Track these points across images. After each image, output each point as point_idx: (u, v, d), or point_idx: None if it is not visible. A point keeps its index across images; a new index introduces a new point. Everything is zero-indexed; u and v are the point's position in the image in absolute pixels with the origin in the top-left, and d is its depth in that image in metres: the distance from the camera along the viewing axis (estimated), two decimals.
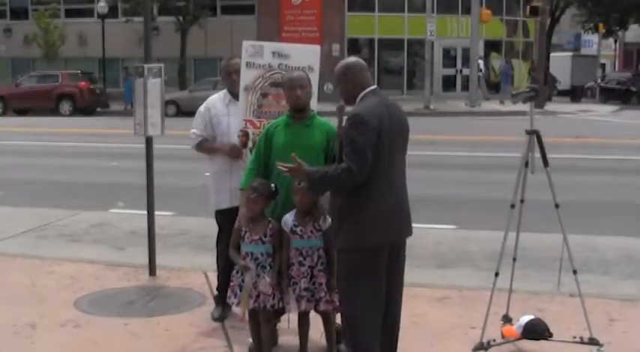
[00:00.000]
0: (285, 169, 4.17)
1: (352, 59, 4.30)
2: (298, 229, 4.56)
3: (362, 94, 4.13)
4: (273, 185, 4.61)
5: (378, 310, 4.12)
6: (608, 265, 7.32)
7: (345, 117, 4.18)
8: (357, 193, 4.00)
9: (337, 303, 4.60)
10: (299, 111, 4.68)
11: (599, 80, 38.78)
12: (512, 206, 4.93)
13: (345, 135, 3.99)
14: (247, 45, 5.42)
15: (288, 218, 4.59)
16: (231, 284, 4.74)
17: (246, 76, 5.38)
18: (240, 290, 4.67)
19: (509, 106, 28.15)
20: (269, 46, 5.44)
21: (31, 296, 6.22)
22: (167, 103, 18.89)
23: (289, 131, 4.68)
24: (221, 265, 5.68)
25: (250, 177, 4.74)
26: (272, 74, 5.32)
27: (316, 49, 5.47)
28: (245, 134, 5.32)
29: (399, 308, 4.33)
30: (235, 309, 5.21)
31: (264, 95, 5.36)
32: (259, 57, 5.37)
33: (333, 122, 4.58)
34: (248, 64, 5.37)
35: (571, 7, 45.88)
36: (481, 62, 34.03)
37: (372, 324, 4.10)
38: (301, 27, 34.37)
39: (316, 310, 4.65)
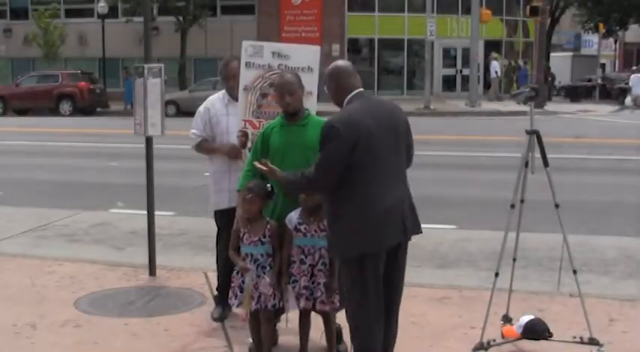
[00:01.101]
0: (264, 168, 4.29)
1: (340, 63, 4.30)
2: (302, 227, 4.56)
3: (347, 99, 4.14)
4: (269, 185, 4.61)
5: (379, 313, 4.11)
6: (608, 265, 7.31)
7: None
8: (345, 200, 4.00)
9: (337, 304, 4.60)
10: (291, 115, 4.69)
11: (599, 80, 38.71)
12: (512, 206, 4.93)
13: (319, 142, 4.06)
14: (247, 45, 5.42)
15: (294, 216, 4.59)
16: (232, 285, 4.74)
17: (246, 76, 5.37)
18: (241, 292, 4.67)
19: (508, 106, 28.17)
20: (269, 47, 5.43)
21: (31, 296, 6.22)
22: (167, 103, 18.92)
23: (285, 132, 4.68)
24: (221, 265, 5.68)
25: (247, 178, 4.74)
26: (272, 74, 5.31)
27: (316, 49, 5.47)
28: (244, 134, 5.31)
29: (397, 310, 4.32)
30: (235, 310, 5.21)
31: (264, 95, 5.36)
32: (259, 57, 5.37)
33: None
34: (248, 64, 5.37)
35: (571, 7, 45.92)
36: (496, 63, 33.99)
37: (375, 328, 4.10)
38: (301, 27, 34.38)
39: (314, 309, 4.65)
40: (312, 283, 4.57)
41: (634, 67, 36.97)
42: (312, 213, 4.55)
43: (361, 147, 3.95)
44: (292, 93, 4.60)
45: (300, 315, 4.74)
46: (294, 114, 4.67)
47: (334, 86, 4.20)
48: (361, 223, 3.98)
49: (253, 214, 4.64)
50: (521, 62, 37.42)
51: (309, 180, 4.07)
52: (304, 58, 5.34)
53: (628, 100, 32.36)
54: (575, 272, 4.94)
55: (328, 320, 4.73)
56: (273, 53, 5.36)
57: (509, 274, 5.17)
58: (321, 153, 4.03)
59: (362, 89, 4.20)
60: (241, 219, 4.69)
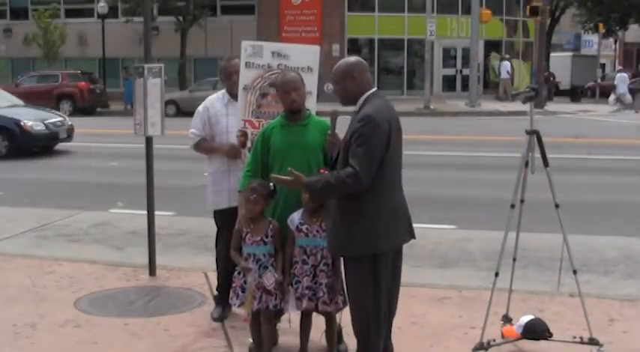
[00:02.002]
0: (283, 179, 4.13)
1: (355, 59, 4.22)
2: (304, 227, 4.55)
3: (365, 96, 4.05)
4: (271, 184, 4.61)
5: (385, 310, 4.11)
6: (608, 265, 7.32)
7: (337, 122, 4.14)
8: (366, 199, 3.95)
9: (341, 305, 4.59)
10: (294, 113, 4.68)
11: (599, 80, 38.77)
12: (513, 206, 4.93)
13: (358, 136, 3.87)
14: (246, 45, 5.41)
15: (295, 216, 4.59)
16: (233, 285, 4.74)
17: (245, 76, 5.37)
18: (243, 292, 4.66)
19: (508, 106, 28.19)
20: (268, 46, 5.43)
21: (31, 296, 6.22)
22: (167, 103, 18.94)
23: (286, 132, 4.67)
24: (221, 265, 5.68)
25: (247, 178, 4.73)
26: (271, 74, 5.31)
27: (316, 49, 5.47)
28: (244, 134, 5.31)
29: (395, 312, 4.31)
30: (236, 309, 5.21)
31: (263, 95, 5.35)
32: (258, 57, 5.36)
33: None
34: (247, 64, 5.37)
35: (571, 7, 45.92)
36: (507, 63, 33.83)
37: (381, 323, 4.10)
38: (301, 27, 34.37)
39: (316, 310, 4.65)
40: (315, 283, 4.57)
41: (619, 67, 37.16)
42: (313, 214, 4.55)
43: (390, 145, 3.93)
44: (297, 90, 4.61)
45: (301, 315, 4.74)
46: (297, 113, 4.67)
47: (356, 81, 4.05)
48: (377, 222, 3.97)
49: (256, 214, 4.64)
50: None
51: (356, 178, 3.81)
52: (304, 57, 5.34)
53: (611, 99, 32.74)
54: (575, 272, 4.94)
55: (331, 320, 4.72)
56: (273, 53, 5.36)
57: (509, 274, 5.17)
58: (363, 147, 3.84)
59: (376, 88, 4.18)
60: (244, 218, 4.68)
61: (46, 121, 16.84)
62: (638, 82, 32.37)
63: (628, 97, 31.98)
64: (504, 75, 33.86)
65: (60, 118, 17.65)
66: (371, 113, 3.91)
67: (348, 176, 3.84)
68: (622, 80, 32.72)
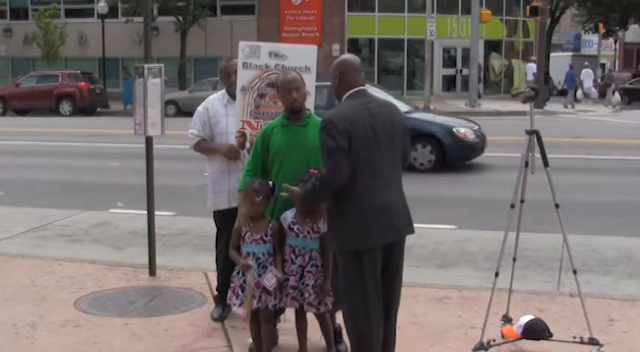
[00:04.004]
0: (287, 195, 4.38)
1: (346, 56, 4.30)
2: (296, 227, 4.56)
3: (346, 95, 4.16)
4: (271, 182, 4.61)
5: (378, 313, 4.12)
6: (608, 265, 7.31)
7: None
8: (341, 196, 4.03)
9: (330, 306, 4.60)
10: (295, 113, 4.68)
11: (599, 80, 38.78)
12: (512, 206, 4.93)
13: (320, 139, 4.06)
14: (244, 45, 5.39)
15: (289, 214, 4.59)
16: (232, 285, 4.73)
17: (243, 77, 5.36)
18: (242, 291, 4.66)
19: (507, 106, 28.18)
20: (266, 47, 5.41)
21: (31, 296, 6.22)
22: (167, 103, 18.95)
23: (286, 132, 4.67)
24: (220, 265, 5.68)
25: (248, 178, 4.73)
26: (269, 75, 5.30)
27: (313, 49, 5.46)
28: (242, 135, 5.30)
29: (396, 310, 4.32)
30: (235, 309, 5.21)
31: (262, 96, 5.34)
32: (256, 57, 5.35)
33: None
34: (245, 65, 5.35)
35: (571, 7, 45.93)
36: (533, 65, 33.43)
37: (371, 320, 4.10)
38: (301, 27, 34.41)
39: (301, 310, 4.65)
40: (302, 284, 4.58)
41: (586, 62, 37.52)
42: (307, 215, 4.55)
43: (354, 144, 3.97)
44: (298, 89, 4.62)
45: (295, 315, 4.74)
46: (297, 112, 4.67)
47: (338, 80, 4.19)
48: (354, 220, 4.02)
49: (259, 215, 4.64)
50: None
51: (322, 180, 4.03)
52: (301, 57, 5.32)
53: (579, 93, 33.92)
54: (575, 272, 4.94)
55: (323, 320, 4.72)
56: (270, 53, 5.34)
57: (509, 274, 5.18)
58: (324, 148, 4.02)
59: (364, 87, 4.19)
60: (244, 217, 4.68)
61: (474, 129, 14.02)
62: (606, 77, 33.03)
63: (593, 91, 33.36)
64: (530, 77, 33.57)
65: (477, 126, 14.48)
66: (329, 115, 4.07)
67: (317, 178, 4.08)
68: (587, 75, 34.07)
